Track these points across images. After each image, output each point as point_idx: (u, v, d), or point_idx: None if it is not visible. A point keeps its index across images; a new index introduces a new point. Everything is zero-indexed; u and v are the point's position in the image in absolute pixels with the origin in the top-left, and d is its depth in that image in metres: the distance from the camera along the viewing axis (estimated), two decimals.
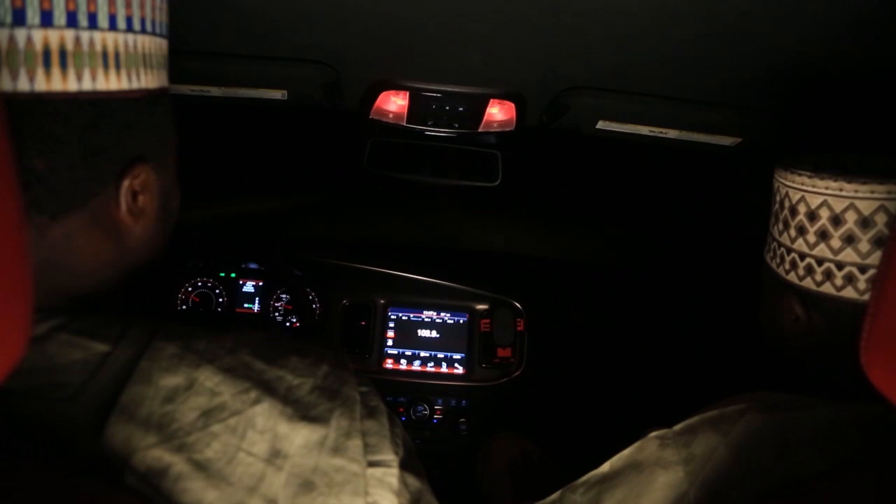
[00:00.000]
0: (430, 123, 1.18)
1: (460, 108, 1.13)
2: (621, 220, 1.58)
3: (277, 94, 1.10)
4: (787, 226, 0.74)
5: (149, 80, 0.55)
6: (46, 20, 0.46)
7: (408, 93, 1.09)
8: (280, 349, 0.54)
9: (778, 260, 0.75)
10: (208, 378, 0.49)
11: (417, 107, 1.13)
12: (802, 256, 0.71)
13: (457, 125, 1.18)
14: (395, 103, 1.14)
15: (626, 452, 0.71)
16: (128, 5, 0.52)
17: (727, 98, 1.02)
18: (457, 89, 1.07)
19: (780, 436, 0.60)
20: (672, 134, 1.14)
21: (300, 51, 0.97)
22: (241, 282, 1.47)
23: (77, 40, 0.48)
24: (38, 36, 0.46)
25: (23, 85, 0.46)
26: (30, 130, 0.46)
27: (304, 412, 0.51)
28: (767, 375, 0.81)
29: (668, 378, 1.45)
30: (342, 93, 1.10)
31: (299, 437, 0.50)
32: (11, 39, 0.45)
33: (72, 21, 0.47)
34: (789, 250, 0.73)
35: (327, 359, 0.56)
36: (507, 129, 1.18)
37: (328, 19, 0.83)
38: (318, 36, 0.90)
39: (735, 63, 0.87)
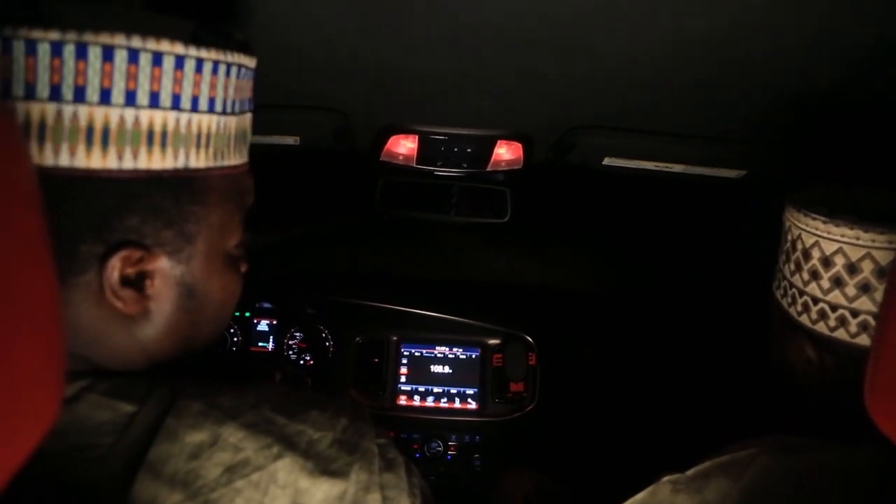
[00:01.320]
0: (439, 164, 1.21)
1: (469, 150, 1.15)
2: (631, 251, 1.59)
3: (290, 140, 1.12)
4: (799, 267, 0.72)
5: (151, 159, 0.50)
6: (30, 93, 0.46)
7: (417, 136, 1.11)
8: (301, 403, 0.55)
9: (789, 300, 0.74)
10: (232, 434, 0.50)
11: (426, 149, 1.15)
12: (815, 301, 0.70)
13: (465, 165, 1.21)
14: (404, 146, 1.16)
15: (639, 497, 0.71)
16: (131, 78, 0.48)
17: (732, 133, 1.03)
18: (465, 132, 1.09)
19: (793, 481, 0.60)
20: (678, 168, 1.16)
21: (311, 99, 0.99)
22: (255, 321, 1.48)
23: (59, 114, 0.47)
24: (21, 109, 0.46)
25: None
26: None
27: (324, 466, 0.52)
28: (781, 412, 0.81)
29: (680, 410, 1.44)
30: (353, 138, 1.12)
31: (320, 492, 0.51)
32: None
33: (55, 95, 0.46)
34: (801, 292, 0.72)
35: (346, 411, 0.56)
36: (515, 167, 1.20)
37: (338, 69, 0.86)
38: (329, 84, 0.92)
39: (739, 99, 0.88)
